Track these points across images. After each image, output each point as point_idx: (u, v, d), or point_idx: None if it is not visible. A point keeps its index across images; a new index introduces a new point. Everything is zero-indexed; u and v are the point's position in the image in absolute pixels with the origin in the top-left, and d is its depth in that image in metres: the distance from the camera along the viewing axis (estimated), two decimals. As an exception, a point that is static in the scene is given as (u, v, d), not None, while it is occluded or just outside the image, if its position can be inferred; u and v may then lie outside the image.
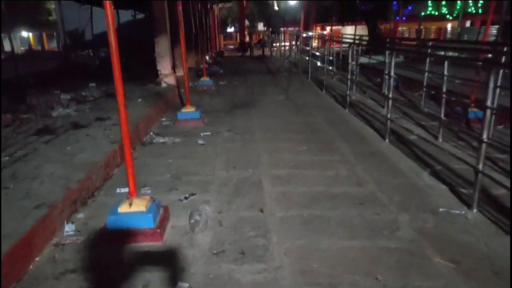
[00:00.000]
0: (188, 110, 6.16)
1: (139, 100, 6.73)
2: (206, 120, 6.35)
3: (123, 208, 2.87)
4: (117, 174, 4.15)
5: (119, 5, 15.42)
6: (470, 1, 29.96)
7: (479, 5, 30.69)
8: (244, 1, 24.09)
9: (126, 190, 3.11)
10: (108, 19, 2.55)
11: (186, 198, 3.55)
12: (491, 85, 2.97)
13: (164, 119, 6.51)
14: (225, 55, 22.48)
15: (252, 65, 16.44)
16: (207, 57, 15.78)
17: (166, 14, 8.19)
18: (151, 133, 5.61)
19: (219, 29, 28.27)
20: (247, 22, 31.83)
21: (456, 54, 9.86)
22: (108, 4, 2.53)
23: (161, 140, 5.32)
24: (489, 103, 3.01)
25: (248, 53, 21.85)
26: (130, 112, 5.65)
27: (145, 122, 5.57)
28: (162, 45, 8.25)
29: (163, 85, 8.21)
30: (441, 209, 3.26)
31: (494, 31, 20.29)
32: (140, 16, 19.10)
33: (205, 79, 9.72)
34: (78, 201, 3.31)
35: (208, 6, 17.73)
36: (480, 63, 5.15)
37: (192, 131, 5.76)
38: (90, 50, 17.64)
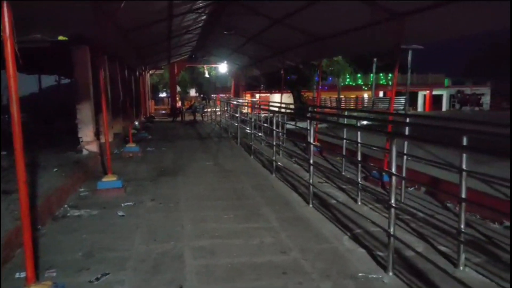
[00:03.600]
0: (109, 179, 5.86)
1: (55, 169, 6.28)
2: (128, 189, 6.06)
3: (18, 298, 2.52)
4: (20, 255, 3.69)
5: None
6: (381, 74, 33.83)
7: (389, 77, 34.75)
8: (175, 68, 24.64)
9: (25, 274, 2.76)
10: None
11: (97, 279, 3.23)
12: (394, 154, 3.24)
13: (82, 189, 6.10)
14: (156, 120, 22.30)
15: (182, 130, 16.46)
16: (136, 123, 15.53)
17: (89, 80, 8.04)
18: (66, 206, 5.19)
19: (150, 94, 28.31)
20: (178, 88, 32.39)
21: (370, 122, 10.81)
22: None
23: (77, 213, 4.93)
24: (393, 170, 3.25)
25: (179, 119, 21.94)
26: (42, 183, 5.28)
27: (58, 194, 5.16)
28: (85, 111, 7.98)
29: (85, 152, 7.81)
30: (360, 274, 3.32)
31: (402, 101, 23.00)
32: (66, 81, 18.64)
33: (131, 146, 9.45)
34: (-35, 291, 2.85)
35: (138, 72, 17.84)
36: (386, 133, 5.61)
37: (112, 202, 5.43)
38: (6, 116, 16.53)
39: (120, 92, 11.64)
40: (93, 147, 8.04)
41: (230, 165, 8.26)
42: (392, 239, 3.26)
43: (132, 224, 4.57)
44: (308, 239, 4.17)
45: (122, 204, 5.31)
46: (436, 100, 38.18)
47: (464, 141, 3.30)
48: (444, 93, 38.38)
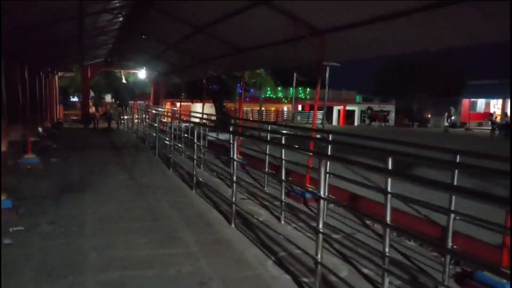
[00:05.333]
0: (-4, 198, 4.94)
1: None
2: (21, 210, 5.18)
3: None
4: None
5: None
6: (300, 89, 35.23)
7: (307, 92, 36.34)
8: (89, 71, 22.84)
9: None
10: None
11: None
12: (322, 175, 3.07)
13: (-40, 211, 5.07)
14: (65, 127, 20.39)
15: (95, 139, 15.18)
16: (39, 129, 13.91)
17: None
18: None
19: (59, 98, 25.92)
20: (92, 93, 30.16)
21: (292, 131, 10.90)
22: None
23: None
24: (321, 193, 3.09)
25: (92, 126, 20.30)
26: None
27: None
28: (-30, 117, 6.79)
29: (-31, 165, 6.61)
30: (286, 307, 3.08)
31: (320, 115, 24.10)
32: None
33: (30, 156, 8.29)
34: None
35: (43, 74, 16.11)
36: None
37: (-2, 227, 4.56)
38: None
39: (19, 95, 10.29)
40: (-20, 159, 6.85)
41: (146, 180, 7.63)
42: (319, 266, 3.08)
43: (20, 255, 3.82)
44: (231, 265, 3.84)
45: (11, 229, 4.47)
46: (349, 115, 40.79)
47: (389, 163, 3.25)
48: (356, 109, 41.20)
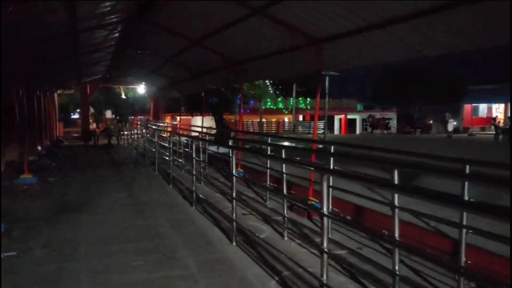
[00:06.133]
0: (-12, 222, 4.77)
1: None
2: (15, 234, 5.00)
3: None
4: None
5: None
6: (300, 99, 35.15)
7: (308, 102, 36.24)
8: (88, 88, 22.81)
9: None
10: None
11: None
12: (325, 192, 2.89)
13: (-50, 236, 4.89)
14: (65, 144, 20.29)
15: (94, 156, 15.04)
16: (38, 148, 13.80)
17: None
18: None
19: (59, 115, 25.90)
20: (92, 109, 30.17)
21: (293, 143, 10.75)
22: None
23: None
24: (325, 210, 2.90)
25: (92, 142, 20.21)
26: None
27: None
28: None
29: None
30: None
31: (321, 125, 23.96)
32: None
33: (27, 176, 8.15)
34: None
35: (41, 92, 16.05)
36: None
37: (-11, 253, 4.37)
38: None
39: (16, 114, 10.18)
40: (-26, 181, 6.70)
41: (145, 197, 7.45)
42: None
43: (9, 283, 3.63)
44: (232, 287, 3.64)
45: (2, 255, 4.29)
46: (350, 124, 40.63)
47: (395, 175, 3.07)
48: (357, 117, 41.05)
